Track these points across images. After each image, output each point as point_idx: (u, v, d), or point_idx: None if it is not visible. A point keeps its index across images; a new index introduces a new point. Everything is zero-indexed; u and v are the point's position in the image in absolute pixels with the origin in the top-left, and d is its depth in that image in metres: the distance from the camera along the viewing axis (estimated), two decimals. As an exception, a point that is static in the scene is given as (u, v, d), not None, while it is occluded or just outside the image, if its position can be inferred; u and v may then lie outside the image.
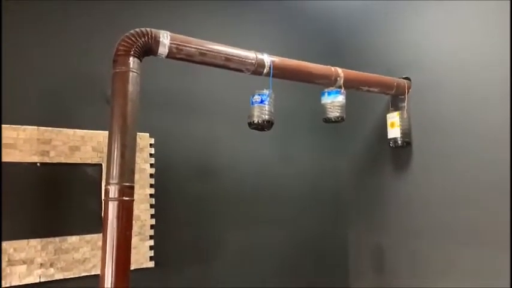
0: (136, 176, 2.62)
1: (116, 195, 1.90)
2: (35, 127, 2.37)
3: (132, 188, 1.97)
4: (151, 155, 2.76)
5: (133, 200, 1.98)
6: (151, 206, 2.73)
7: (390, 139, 3.04)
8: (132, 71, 2.02)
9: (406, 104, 3.03)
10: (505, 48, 2.41)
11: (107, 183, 1.92)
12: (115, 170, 1.92)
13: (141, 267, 2.65)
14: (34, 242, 2.32)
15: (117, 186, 1.91)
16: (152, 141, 2.78)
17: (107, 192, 1.91)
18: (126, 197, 1.93)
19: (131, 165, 1.98)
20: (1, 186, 2.26)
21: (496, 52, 2.47)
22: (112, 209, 1.90)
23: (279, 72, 2.50)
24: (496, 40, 2.48)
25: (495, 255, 2.42)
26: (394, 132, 3.01)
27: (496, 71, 2.46)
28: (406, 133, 3.00)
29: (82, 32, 2.62)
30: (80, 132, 2.51)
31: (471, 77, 2.62)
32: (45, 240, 2.35)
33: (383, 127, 3.15)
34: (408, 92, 3.04)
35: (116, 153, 1.93)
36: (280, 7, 3.53)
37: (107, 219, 1.89)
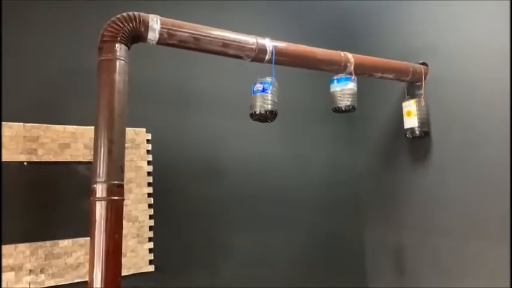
0: (133, 174, 2.48)
1: (104, 195, 1.76)
2: (21, 124, 2.24)
3: (121, 186, 1.82)
4: (148, 151, 2.60)
5: (123, 200, 1.83)
6: (150, 206, 2.57)
7: (407, 129, 2.83)
8: (119, 59, 1.87)
9: (423, 91, 2.82)
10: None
11: (94, 182, 1.77)
12: (102, 168, 1.78)
13: (140, 271, 2.49)
14: (23, 247, 2.17)
15: (104, 185, 1.77)
16: (149, 136, 2.62)
17: (93, 191, 1.76)
18: (114, 196, 1.78)
19: (120, 161, 1.83)
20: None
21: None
22: (100, 210, 1.76)
23: (282, 59, 2.33)
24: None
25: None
26: (411, 121, 2.80)
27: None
28: (424, 122, 2.78)
29: (69, 24, 2.49)
30: (70, 128, 2.36)
31: (493, 61, 2.41)
32: (34, 244, 2.20)
33: (399, 117, 2.94)
34: (425, 78, 2.83)
35: (102, 149, 1.79)
36: (285, -10, 3.33)
37: (95, 221, 1.75)
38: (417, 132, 2.77)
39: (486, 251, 2.43)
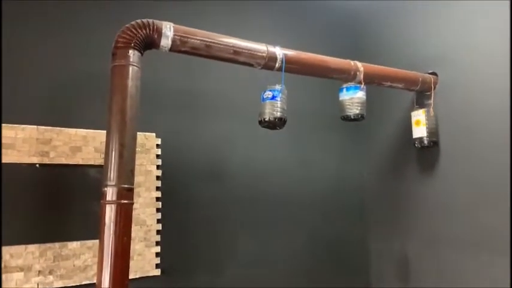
0: (142, 178, 2.51)
1: (114, 198, 1.79)
2: (34, 126, 2.27)
3: (131, 190, 1.84)
4: (158, 156, 2.62)
5: (132, 203, 1.85)
6: (158, 210, 2.58)
7: (415, 139, 2.82)
8: (132, 65, 1.90)
9: (432, 101, 2.82)
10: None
11: (104, 185, 1.80)
12: (113, 171, 1.81)
13: (147, 275, 2.50)
14: (32, 248, 2.20)
15: (114, 188, 1.80)
16: (159, 141, 2.64)
17: (104, 194, 1.79)
18: (124, 199, 1.81)
19: (130, 165, 1.85)
20: (1, 188, 2.16)
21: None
22: (109, 213, 1.79)
23: (292, 67, 2.35)
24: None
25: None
26: (419, 131, 2.79)
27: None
28: (432, 132, 2.78)
29: (82, 29, 2.52)
30: (81, 131, 2.39)
31: (503, 72, 2.40)
32: (43, 245, 2.22)
33: (407, 126, 2.94)
34: (435, 88, 2.83)
35: (113, 153, 1.82)
36: (295, -2, 3.36)
37: (104, 224, 1.77)
38: (425, 142, 2.77)
39: (491, 263, 2.40)
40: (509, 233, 2.31)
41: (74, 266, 2.29)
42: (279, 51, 2.27)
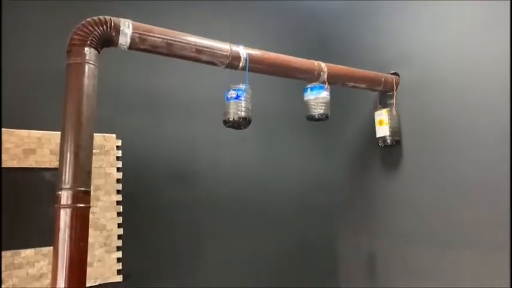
0: (101, 181, 2.42)
1: (69, 202, 1.70)
2: (-17, 128, 2.14)
3: (87, 193, 1.75)
4: (118, 158, 2.53)
5: (89, 207, 1.76)
6: (119, 214, 2.49)
7: (379, 138, 2.87)
8: (88, 63, 1.82)
9: (394, 101, 2.87)
10: (500, 45, 2.25)
11: (59, 189, 1.70)
12: (68, 174, 1.72)
13: (108, 281, 2.41)
14: (-19, 257, 2.07)
15: (70, 192, 1.70)
16: (119, 143, 2.55)
17: (58, 198, 1.69)
18: (80, 203, 1.72)
19: (87, 167, 1.77)
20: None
21: (490, 48, 2.32)
22: (64, 218, 1.69)
23: (256, 66, 2.32)
24: (490, 36, 2.32)
25: (493, 258, 2.24)
26: (382, 130, 2.84)
27: (490, 66, 2.31)
28: (395, 131, 2.83)
29: (37, 24, 2.41)
30: (35, 133, 2.27)
31: (463, 73, 2.47)
32: (-6, 254, 2.10)
33: (371, 125, 2.97)
34: (397, 88, 2.88)
35: (68, 155, 1.73)
36: (260, -2, 3.35)
37: (59, 229, 1.68)
38: (388, 141, 2.81)
39: (459, 260, 2.44)
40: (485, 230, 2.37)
41: (27, 274, 2.16)
42: (243, 51, 2.25)
